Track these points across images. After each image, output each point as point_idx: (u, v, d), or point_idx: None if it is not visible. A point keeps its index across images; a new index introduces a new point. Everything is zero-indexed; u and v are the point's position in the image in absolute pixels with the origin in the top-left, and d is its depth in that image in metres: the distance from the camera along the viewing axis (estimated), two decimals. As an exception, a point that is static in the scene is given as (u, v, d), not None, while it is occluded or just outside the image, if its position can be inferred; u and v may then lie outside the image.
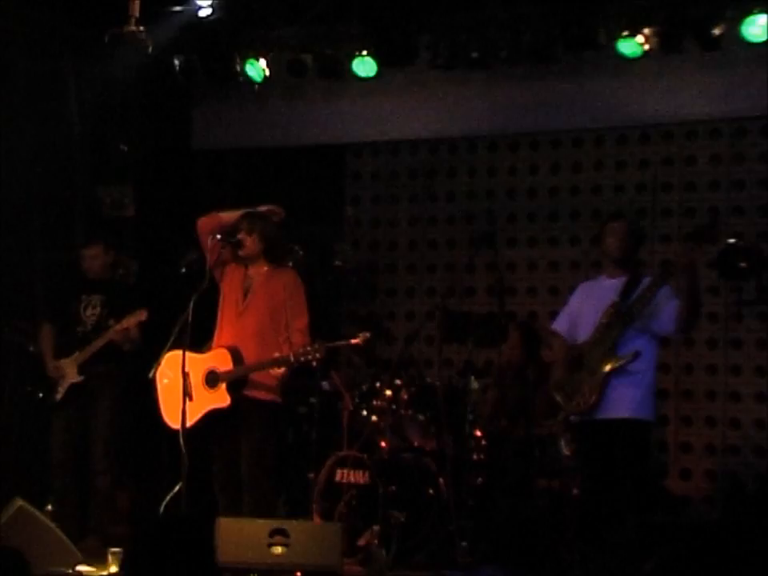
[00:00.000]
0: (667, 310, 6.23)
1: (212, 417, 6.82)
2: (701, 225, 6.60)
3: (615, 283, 6.40)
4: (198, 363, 6.76)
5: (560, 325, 6.65)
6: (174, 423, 6.65)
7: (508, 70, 8.74)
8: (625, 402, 6.24)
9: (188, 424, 6.58)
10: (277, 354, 6.68)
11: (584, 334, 6.42)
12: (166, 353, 6.74)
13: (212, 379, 6.78)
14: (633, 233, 6.51)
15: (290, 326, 6.84)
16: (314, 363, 6.67)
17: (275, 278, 7.00)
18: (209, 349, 6.94)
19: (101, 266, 7.75)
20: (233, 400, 6.75)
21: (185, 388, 6.57)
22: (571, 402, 6.38)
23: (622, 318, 6.25)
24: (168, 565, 3.17)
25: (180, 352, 6.61)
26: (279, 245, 7.15)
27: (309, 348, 6.59)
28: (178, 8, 8.54)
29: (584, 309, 6.50)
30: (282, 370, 6.70)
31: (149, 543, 3.23)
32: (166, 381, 6.85)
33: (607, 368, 6.26)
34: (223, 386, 6.76)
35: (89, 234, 7.94)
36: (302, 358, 6.59)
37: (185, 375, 6.56)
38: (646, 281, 6.33)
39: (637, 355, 6.21)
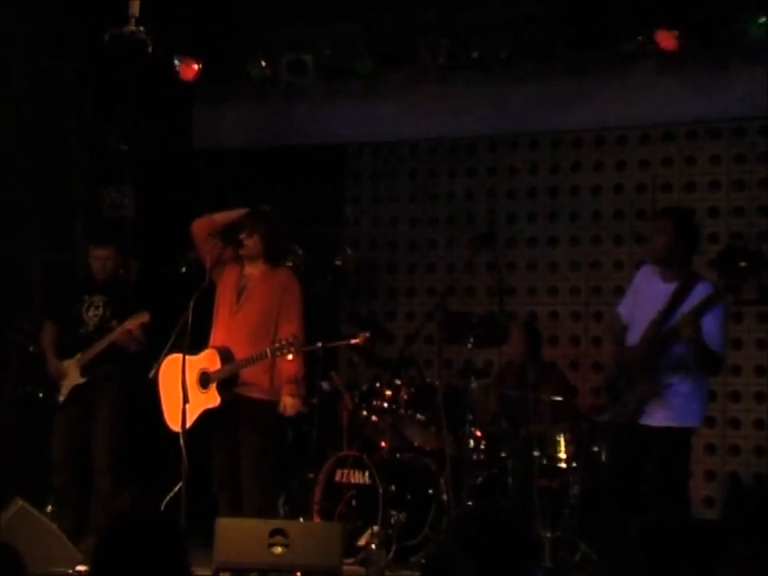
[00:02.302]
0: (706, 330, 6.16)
1: (211, 417, 6.84)
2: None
3: (667, 289, 6.30)
4: (192, 365, 6.76)
5: (623, 308, 6.60)
6: (176, 426, 6.67)
7: (508, 70, 8.74)
8: (663, 410, 6.24)
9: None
10: (286, 400, 6.78)
11: (634, 334, 6.39)
12: (166, 353, 6.75)
13: (204, 380, 6.81)
14: (682, 232, 6.36)
15: (280, 329, 6.85)
16: (290, 356, 6.66)
17: (271, 277, 7.01)
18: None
19: (112, 267, 7.74)
20: (223, 399, 6.78)
21: (184, 389, 6.58)
22: (614, 407, 6.42)
23: (662, 342, 6.21)
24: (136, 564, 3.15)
25: (178, 354, 6.63)
26: (279, 246, 7.17)
27: (283, 342, 6.62)
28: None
29: (637, 307, 6.44)
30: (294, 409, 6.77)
31: (117, 541, 3.21)
32: (166, 384, 6.86)
33: (645, 389, 6.25)
34: (213, 385, 6.78)
35: (99, 235, 7.91)
36: (278, 353, 6.62)
37: (184, 376, 6.57)
38: (699, 290, 6.24)
39: (668, 386, 6.19)
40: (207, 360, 6.82)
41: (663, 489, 6.21)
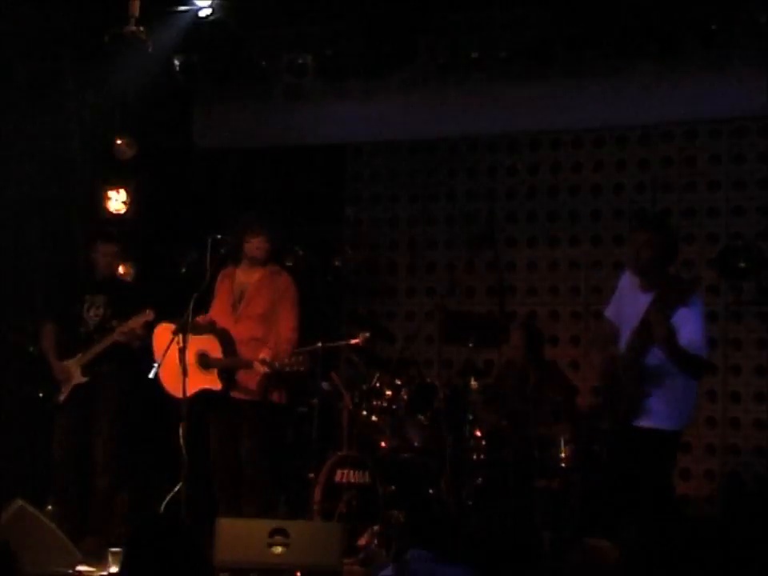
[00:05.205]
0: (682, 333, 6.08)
1: (211, 418, 6.85)
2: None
3: (646, 299, 6.17)
4: (191, 343, 6.76)
5: (611, 312, 6.52)
6: (174, 391, 6.80)
7: (508, 70, 8.74)
8: (651, 412, 6.20)
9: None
10: (263, 356, 6.77)
11: (622, 340, 6.35)
12: (165, 353, 6.76)
13: (204, 362, 6.87)
14: (659, 244, 6.21)
15: (277, 332, 6.89)
16: (296, 372, 6.76)
17: (270, 282, 7.03)
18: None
19: (114, 265, 7.77)
20: (224, 386, 6.90)
21: (184, 389, 6.58)
22: (609, 413, 6.39)
23: (641, 347, 6.15)
24: (164, 565, 3.19)
25: (168, 324, 6.81)
26: (278, 250, 7.22)
27: (293, 359, 6.69)
28: (179, 8, 8.54)
29: (622, 313, 6.39)
30: (264, 368, 6.77)
31: (145, 544, 3.25)
32: (160, 349, 6.88)
33: (634, 394, 6.21)
34: (215, 371, 6.84)
35: (106, 232, 7.93)
36: (287, 369, 6.68)
37: (185, 376, 6.58)
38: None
39: (654, 392, 6.13)
40: (207, 343, 6.92)
41: (647, 490, 6.19)
